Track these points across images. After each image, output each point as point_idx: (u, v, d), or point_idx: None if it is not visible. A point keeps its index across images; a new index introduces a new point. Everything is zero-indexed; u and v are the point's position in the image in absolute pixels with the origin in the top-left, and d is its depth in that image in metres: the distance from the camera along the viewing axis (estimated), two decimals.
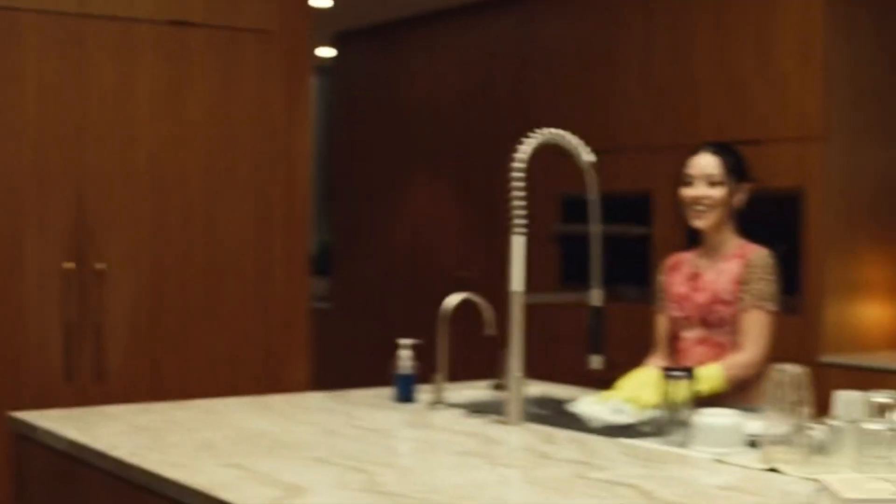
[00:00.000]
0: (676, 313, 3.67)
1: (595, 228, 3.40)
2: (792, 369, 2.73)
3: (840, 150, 5.10)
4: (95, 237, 4.99)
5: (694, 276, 3.67)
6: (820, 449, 2.68)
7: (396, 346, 3.65)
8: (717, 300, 3.57)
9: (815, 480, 2.31)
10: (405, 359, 3.62)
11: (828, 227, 5.08)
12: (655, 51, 5.81)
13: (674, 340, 3.72)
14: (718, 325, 3.57)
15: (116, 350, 5.02)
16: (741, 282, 3.55)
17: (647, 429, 3.10)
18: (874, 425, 2.61)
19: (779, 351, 5.21)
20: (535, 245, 6.55)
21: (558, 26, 6.43)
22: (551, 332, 6.26)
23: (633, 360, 3.70)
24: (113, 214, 5.02)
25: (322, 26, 8.23)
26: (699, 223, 3.62)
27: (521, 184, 3.23)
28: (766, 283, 3.54)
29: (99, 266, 4.99)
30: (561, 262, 6.34)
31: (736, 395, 3.44)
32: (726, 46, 5.46)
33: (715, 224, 3.61)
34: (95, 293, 4.99)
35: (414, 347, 3.63)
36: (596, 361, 3.35)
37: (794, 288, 5.18)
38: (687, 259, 3.75)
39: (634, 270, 5.75)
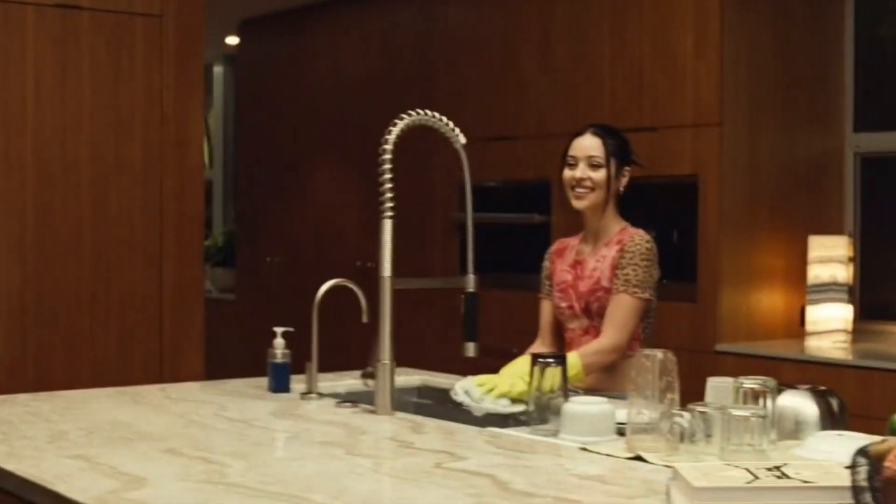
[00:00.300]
0: (561, 304, 3.60)
1: (469, 213, 3.32)
2: (658, 354, 2.66)
3: (736, 136, 5.06)
4: None
5: (577, 264, 3.60)
6: (689, 436, 2.60)
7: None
8: (598, 288, 3.51)
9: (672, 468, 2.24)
10: (278, 347, 3.52)
11: (724, 214, 5.04)
12: (555, 38, 5.74)
13: (562, 331, 3.65)
14: (601, 313, 3.50)
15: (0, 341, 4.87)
16: (617, 267, 3.49)
17: (524, 417, 3.02)
18: (741, 412, 2.55)
19: (674, 339, 5.19)
20: (437, 234, 6.52)
21: (459, 12, 6.34)
22: (453, 321, 6.19)
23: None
24: None
25: (228, 14, 8.11)
26: (579, 205, 3.55)
27: (389, 166, 3.14)
28: (638, 268, 3.47)
29: None
30: (461, 251, 6.26)
31: (609, 381, 3.38)
32: (624, 33, 5.40)
33: (596, 207, 3.54)
34: None
35: (287, 336, 3.53)
36: (471, 349, 3.27)
37: (690, 276, 5.15)
38: (572, 245, 3.68)
39: (533, 259, 5.67)
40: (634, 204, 5.35)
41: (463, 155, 3.27)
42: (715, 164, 5.03)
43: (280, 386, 3.50)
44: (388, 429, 2.94)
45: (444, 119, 3.26)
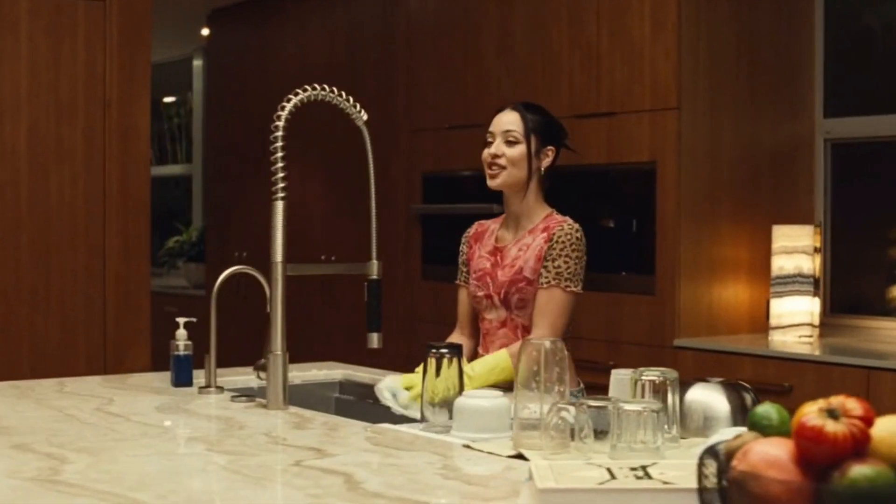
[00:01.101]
0: (478, 292, 3.38)
1: (372, 197, 3.12)
2: (546, 343, 2.46)
3: (695, 121, 4.84)
4: None
5: (497, 251, 3.38)
6: (579, 433, 2.39)
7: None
8: (520, 278, 3.28)
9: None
10: (180, 339, 3.33)
11: (683, 202, 4.82)
12: (514, 24, 5.54)
13: (479, 321, 3.44)
14: (521, 306, 3.27)
15: None
16: (544, 258, 3.27)
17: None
18: (632, 406, 2.34)
19: (632, 333, 4.99)
20: (399, 226, 6.32)
21: (420, 1, 6.15)
22: (414, 313, 6.00)
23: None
24: None
25: (201, 5, 7.93)
26: (493, 183, 3.34)
27: (281, 143, 2.95)
28: (570, 259, 3.25)
29: None
30: (423, 243, 6.07)
31: None
32: (582, 18, 5.19)
33: (512, 186, 3.32)
34: None
35: (188, 326, 3.34)
36: (374, 340, 3.07)
37: (648, 267, 4.93)
38: (492, 229, 3.46)
39: None
40: (592, 191, 5.18)
41: (365, 134, 3.08)
42: (673, 150, 4.82)
43: (182, 380, 3.31)
44: (269, 424, 2.74)
45: (344, 95, 3.05)
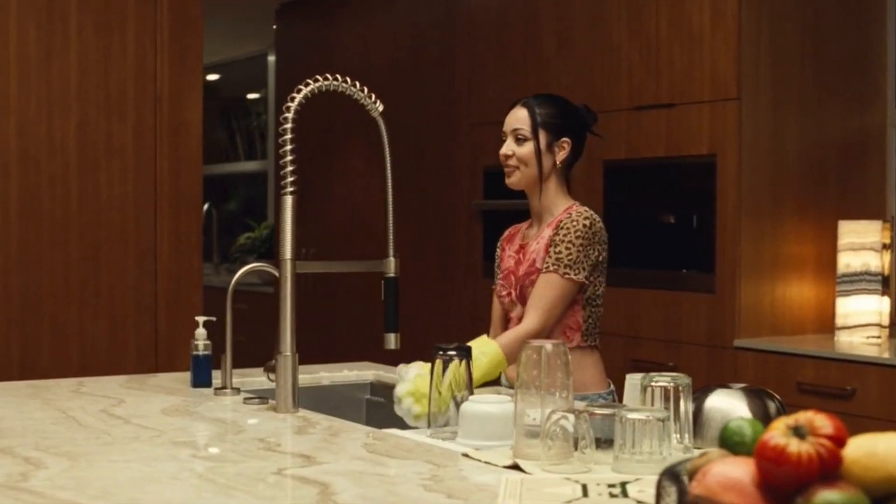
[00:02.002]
0: (502, 291, 3.26)
1: (388, 191, 3.00)
2: (547, 346, 2.31)
3: (757, 113, 4.64)
4: None
5: (521, 249, 3.25)
6: (580, 442, 2.25)
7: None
8: (532, 270, 3.14)
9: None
10: (200, 339, 3.23)
11: (744, 197, 4.62)
12: (573, 16, 5.38)
13: (507, 322, 3.31)
14: None
15: None
16: (550, 245, 3.13)
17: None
18: (636, 414, 2.18)
19: (691, 333, 4.80)
20: (461, 221, 6.19)
21: None
22: (475, 311, 5.87)
23: None
24: None
25: (271, 0, 7.90)
26: (508, 182, 3.22)
27: (291, 136, 2.83)
28: (572, 246, 3.08)
29: None
30: (485, 239, 5.94)
31: None
32: (641, 9, 5.02)
33: (528, 185, 3.19)
34: None
35: (207, 326, 3.25)
36: (392, 341, 2.95)
37: (707, 265, 4.75)
38: (522, 230, 3.33)
39: None
40: (650, 186, 5.00)
41: (381, 125, 2.94)
42: (734, 142, 4.63)
43: (201, 380, 3.22)
44: (270, 428, 2.63)
45: (358, 85, 2.93)
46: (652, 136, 4.94)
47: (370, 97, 2.93)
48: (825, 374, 4.32)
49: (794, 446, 1.33)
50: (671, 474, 1.45)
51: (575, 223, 3.08)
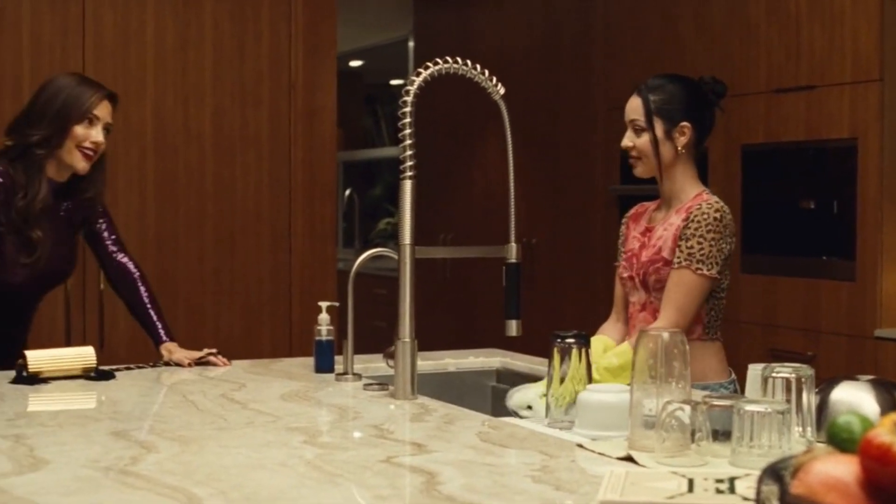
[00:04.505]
0: (623, 273, 3.19)
1: (511, 175, 2.95)
2: (664, 335, 2.24)
3: None
4: None
5: (647, 231, 3.17)
6: (697, 434, 2.18)
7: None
8: (658, 258, 3.06)
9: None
10: (323, 324, 3.23)
11: (886, 182, 4.45)
12: None
13: (628, 305, 3.24)
14: (658, 287, 3.04)
15: (119, 319, 4.73)
16: (679, 238, 3.04)
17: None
18: (754, 406, 2.11)
19: (830, 322, 4.65)
20: (598, 207, 6.10)
21: None
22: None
23: None
24: (115, 175, 4.66)
25: None
26: (634, 172, 3.15)
27: (410, 120, 2.80)
28: (703, 240, 2.98)
29: None
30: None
31: None
32: None
33: (652, 173, 3.11)
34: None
35: (331, 311, 3.25)
36: (513, 327, 2.90)
37: (848, 252, 4.59)
38: (649, 210, 3.25)
39: None
40: (790, 171, 4.85)
41: (503, 107, 2.89)
42: (875, 125, 4.47)
43: (324, 366, 3.22)
44: (386, 415, 2.61)
45: (479, 67, 2.88)
46: (791, 119, 4.80)
47: (490, 80, 2.88)
48: None
49: None
50: (772, 472, 1.38)
51: (706, 216, 2.99)
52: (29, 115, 3.32)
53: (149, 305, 3.47)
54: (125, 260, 3.52)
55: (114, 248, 3.51)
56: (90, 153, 3.32)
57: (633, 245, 3.19)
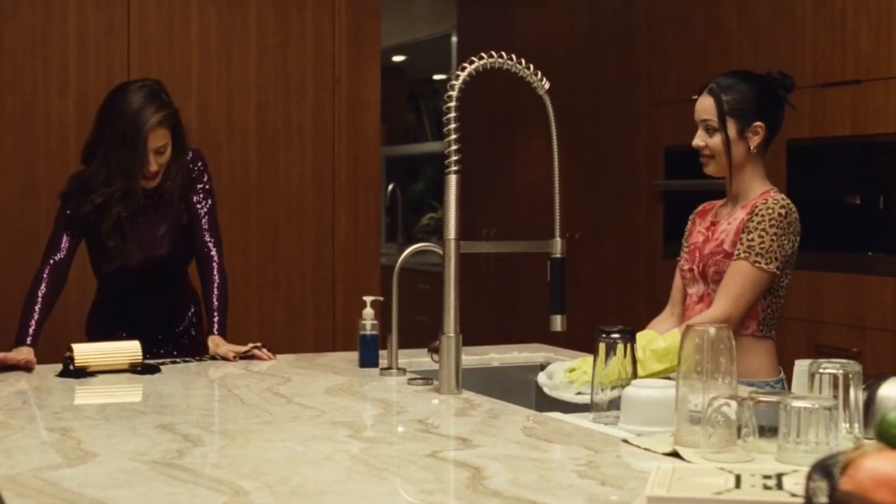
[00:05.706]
0: (684, 265, 3.20)
1: (555, 169, 2.93)
2: (710, 330, 2.23)
3: None
4: None
5: (712, 226, 3.17)
6: (743, 430, 2.16)
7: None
8: (719, 251, 3.06)
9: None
10: (367, 318, 3.24)
11: None
12: None
13: (686, 298, 3.24)
14: (717, 279, 3.05)
15: None
16: (743, 230, 3.03)
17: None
18: (801, 402, 2.09)
19: (876, 319, 4.61)
20: (641, 201, 6.07)
21: None
22: (654, 293, 5.76)
23: None
24: None
25: None
26: (705, 171, 3.14)
27: (455, 114, 2.80)
28: (765, 234, 2.98)
29: None
30: (665, 220, 5.83)
31: None
32: None
33: (723, 172, 3.11)
34: None
35: (375, 305, 3.25)
36: (558, 322, 2.90)
37: (894, 248, 4.56)
38: (716, 207, 3.25)
39: None
40: (836, 166, 4.82)
41: (548, 102, 2.89)
42: None
43: (369, 360, 3.22)
44: (431, 409, 2.61)
45: (523, 62, 2.88)
46: (837, 114, 4.77)
47: (536, 74, 2.87)
48: None
49: None
50: (822, 468, 1.37)
51: (770, 210, 2.98)
52: (96, 150, 3.43)
53: (216, 294, 3.51)
54: (211, 243, 3.55)
55: (206, 228, 3.54)
56: (150, 175, 3.39)
57: (696, 239, 3.19)
